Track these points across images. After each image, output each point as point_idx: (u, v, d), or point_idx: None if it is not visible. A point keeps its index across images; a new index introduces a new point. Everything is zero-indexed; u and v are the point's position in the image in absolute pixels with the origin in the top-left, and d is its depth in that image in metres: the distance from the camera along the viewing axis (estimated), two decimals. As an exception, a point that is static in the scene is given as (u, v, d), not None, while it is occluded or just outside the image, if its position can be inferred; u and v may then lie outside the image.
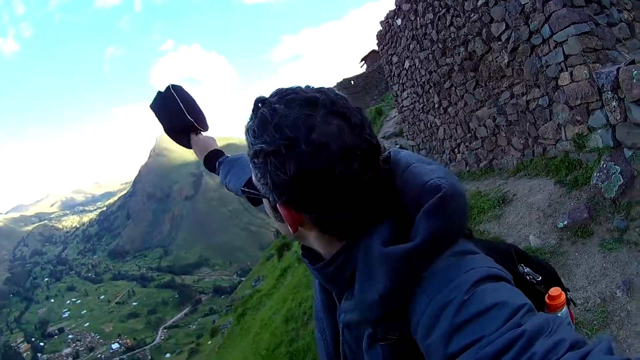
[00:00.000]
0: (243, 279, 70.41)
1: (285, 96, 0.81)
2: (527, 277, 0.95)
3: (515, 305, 0.68)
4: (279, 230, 0.99)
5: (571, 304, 1.06)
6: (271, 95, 0.83)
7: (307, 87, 0.84)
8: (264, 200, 0.92)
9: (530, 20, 5.89)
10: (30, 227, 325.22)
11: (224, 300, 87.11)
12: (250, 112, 0.85)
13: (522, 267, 0.97)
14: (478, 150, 8.53)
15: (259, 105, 0.82)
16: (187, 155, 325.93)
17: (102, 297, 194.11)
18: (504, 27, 6.46)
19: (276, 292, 15.76)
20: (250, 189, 0.94)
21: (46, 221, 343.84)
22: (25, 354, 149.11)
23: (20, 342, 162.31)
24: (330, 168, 0.75)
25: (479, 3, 6.80)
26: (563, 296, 0.92)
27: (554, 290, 0.91)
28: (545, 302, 0.92)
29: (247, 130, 0.83)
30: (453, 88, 8.59)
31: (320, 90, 0.83)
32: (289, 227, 0.87)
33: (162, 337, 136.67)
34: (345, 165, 0.76)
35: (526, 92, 6.47)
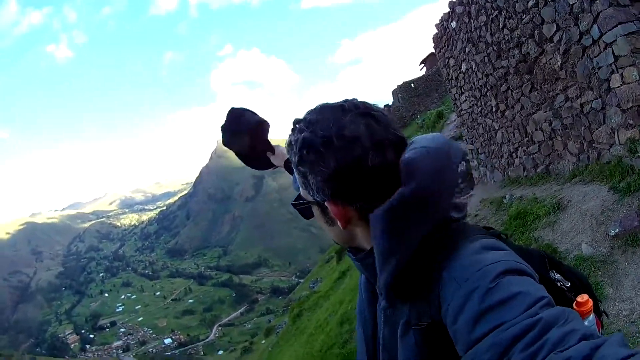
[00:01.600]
0: (301, 280, 71.01)
1: (315, 110, 0.97)
2: (558, 284, 0.99)
3: (535, 297, 0.73)
4: (332, 237, 1.07)
5: (603, 315, 1.12)
6: (304, 114, 0.98)
7: (332, 103, 0.98)
8: (314, 209, 1.03)
9: (579, 21, 5.73)
10: (87, 224, 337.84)
11: (281, 301, 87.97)
12: (290, 132, 0.99)
13: (553, 273, 1.01)
14: (535, 154, 8.33)
15: (296, 124, 0.97)
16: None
17: (158, 293, 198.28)
18: (555, 29, 6.29)
19: (333, 294, 15.81)
20: (300, 202, 1.06)
21: (104, 219, 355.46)
22: (73, 345, 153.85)
23: (68, 334, 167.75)
24: (364, 157, 0.87)
25: (530, 4, 6.65)
26: (590, 303, 0.95)
27: (582, 297, 0.94)
28: (573, 308, 0.95)
29: (288, 145, 0.98)
30: (509, 91, 8.43)
31: (345, 100, 0.97)
32: (339, 223, 0.96)
33: (216, 335, 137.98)
34: (377, 155, 0.88)
35: (580, 94, 6.28)
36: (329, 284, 19.49)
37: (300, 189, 1.02)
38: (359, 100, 0.98)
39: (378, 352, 1.06)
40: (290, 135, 0.98)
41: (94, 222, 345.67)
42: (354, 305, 10.16)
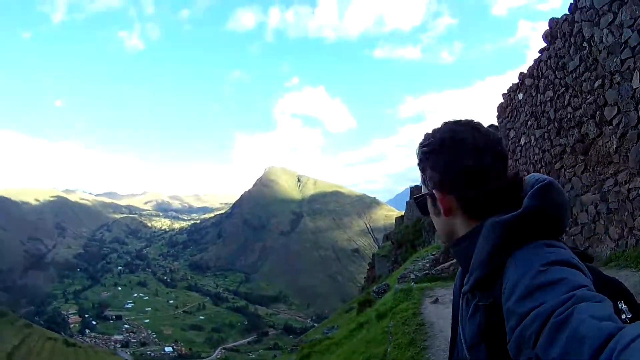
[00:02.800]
0: (316, 324, 69.99)
1: (441, 124, 1.33)
2: (622, 315, 1.03)
3: (579, 283, 0.89)
4: (437, 227, 1.37)
5: None
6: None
7: None
8: (428, 201, 1.34)
9: (639, 106, 5.95)
10: (118, 216, 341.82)
11: (291, 340, 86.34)
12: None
13: (621, 303, 1.06)
14: (576, 236, 8.36)
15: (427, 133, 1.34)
16: (291, 192, 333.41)
17: (171, 301, 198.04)
18: (615, 112, 6.51)
19: (347, 343, 15.65)
20: (418, 195, 1.38)
21: (136, 215, 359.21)
22: (72, 325, 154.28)
23: (71, 313, 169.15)
24: (466, 158, 1.21)
25: (596, 85, 6.91)
26: None
27: None
28: None
29: (417, 150, 1.34)
30: (563, 169, 8.56)
31: (462, 118, 1.34)
32: (442, 212, 1.26)
33: (219, 356, 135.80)
34: (473, 158, 1.20)
35: (629, 180, 6.41)
36: (344, 333, 19.17)
37: (422, 186, 1.36)
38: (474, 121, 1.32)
39: (459, 333, 1.27)
40: (421, 141, 1.33)
41: (125, 215, 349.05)
42: (366, 357, 10.07)
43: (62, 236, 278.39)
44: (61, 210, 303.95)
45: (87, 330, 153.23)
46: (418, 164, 1.34)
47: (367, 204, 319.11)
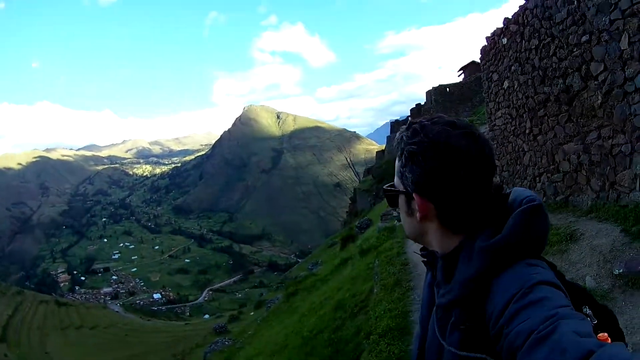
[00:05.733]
0: (300, 260, 71.27)
1: (432, 119, 1.19)
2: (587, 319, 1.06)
3: (560, 303, 0.94)
4: (406, 228, 1.30)
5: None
6: (421, 120, 1.21)
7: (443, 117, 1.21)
8: (400, 199, 1.25)
9: (626, 67, 5.88)
10: (99, 167, 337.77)
11: (276, 277, 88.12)
12: (403, 128, 1.22)
13: (587, 308, 1.10)
14: (558, 183, 8.48)
15: (412, 124, 1.20)
16: (271, 129, 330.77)
17: (157, 247, 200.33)
18: (602, 68, 6.43)
19: (332, 280, 15.84)
20: (391, 189, 1.28)
21: (118, 165, 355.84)
22: (62, 284, 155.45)
23: (60, 272, 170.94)
24: (457, 168, 1.11)
25: (583, 39, 6.78)
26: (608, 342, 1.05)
27: (602, 335, 1.01)
28: None
29: (400, 139, 1.21)
30: (546, 117, 8.55)
31: (457, 118, 1.21)
32: (418, 214, 1.19)
33: (206, 298, 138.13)
34: (468, 170, 1.11)
35: (612, 136, 6.44)
36: (329, 269, 19.41)
37: (396, 177, 1.25)
38: (466, 120, 1.23)
39: (427, 348, 1.27)
40: (404, 131, 1.21)
41: (107, 166, 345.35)
42: (351, 294, 10.22)
43: (46, 195, 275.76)
44: (43, 170, 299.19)
45: (77, 287, 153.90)
46: (400, 156, 1.21)
47: (347, 138, 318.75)
